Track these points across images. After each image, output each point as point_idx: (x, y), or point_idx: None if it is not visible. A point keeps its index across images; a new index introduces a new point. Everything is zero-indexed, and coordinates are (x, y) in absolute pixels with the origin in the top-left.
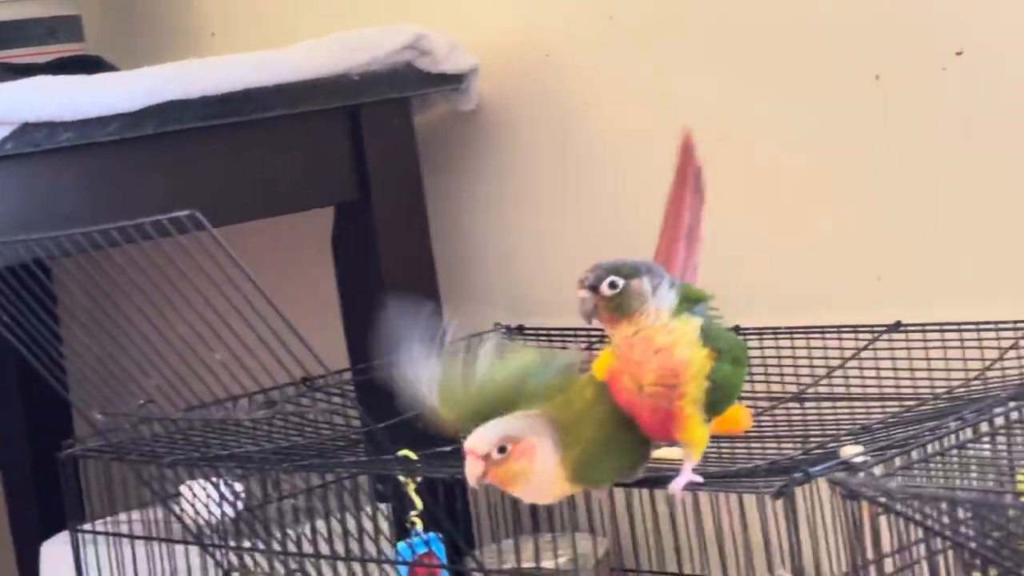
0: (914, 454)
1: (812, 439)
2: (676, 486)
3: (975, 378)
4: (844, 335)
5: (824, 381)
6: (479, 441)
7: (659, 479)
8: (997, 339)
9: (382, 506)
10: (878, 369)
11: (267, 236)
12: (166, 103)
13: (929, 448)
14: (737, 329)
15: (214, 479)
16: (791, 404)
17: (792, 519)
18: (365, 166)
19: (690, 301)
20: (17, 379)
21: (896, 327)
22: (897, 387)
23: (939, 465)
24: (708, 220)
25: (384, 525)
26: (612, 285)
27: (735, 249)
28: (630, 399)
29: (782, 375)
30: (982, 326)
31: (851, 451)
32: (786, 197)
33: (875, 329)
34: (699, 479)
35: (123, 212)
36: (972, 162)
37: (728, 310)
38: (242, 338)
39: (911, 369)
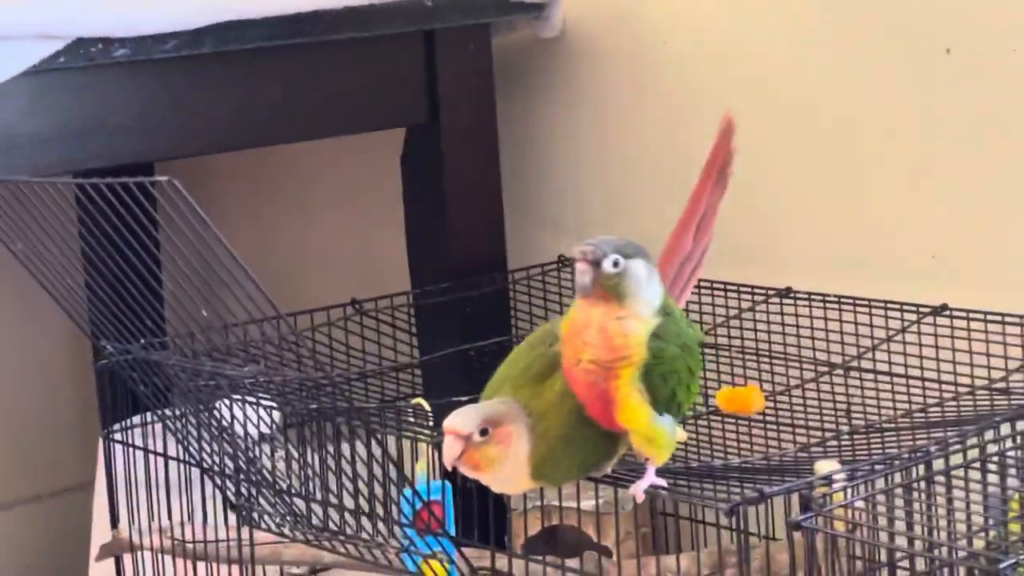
0: (887, 479)
1: (826, 429)
2: (637, 489)
3: (1000, 379)
4: (891, 310)
5: (866, 356)
6: (462, 421)
7: (622, 478)
8: None
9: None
10: (921, 348)
11: (339, 152)
12: (227, 22)
13: (898, 476)
14: (789, 290)
15: (241, 403)
16: (827, 377)
17: (743, 537)
18: (436, 90)
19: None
20: None
21: (941, 310)
22: (938, 370)
23: (902, 498)
24: (769, 182)
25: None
26: (615, 263)
27: (796, 210)
28: (569, 371)
29: (828, 343)
30: None
31: (826, 467)
32: (851, 164)
33: (920, 310)
34: (661, 483)
35: (179, 130)
36: None
37: (782, 270)
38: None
39: (952, 357)
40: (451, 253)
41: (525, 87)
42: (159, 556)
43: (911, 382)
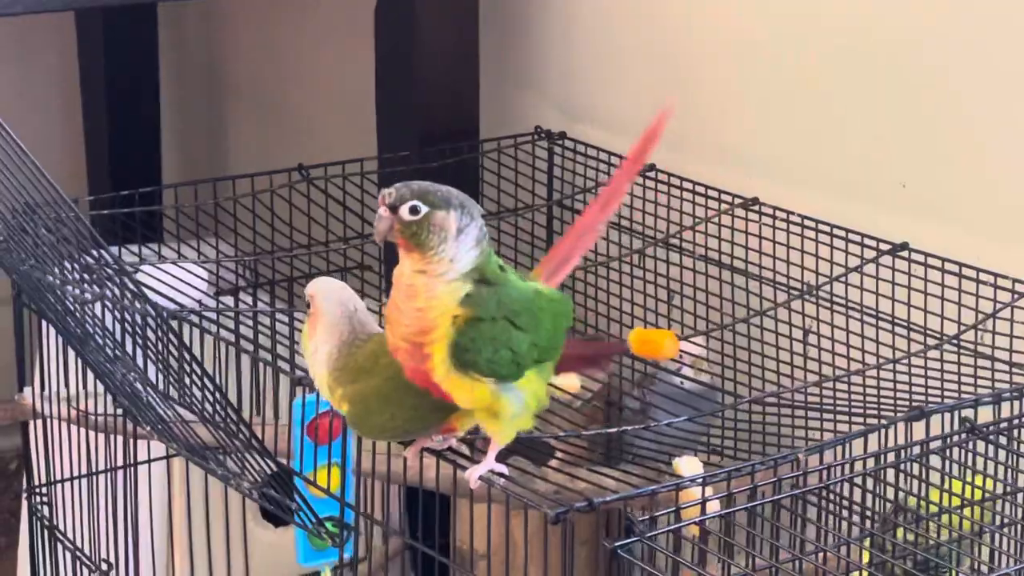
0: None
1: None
2: (471, 474)
3: (949, 340)
4: (851, 243)
5: (824, 287)
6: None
7: (457, 462)
8: (993, 297)
9: None
10: (877, 285)
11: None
12: None
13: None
14: (756, 200)
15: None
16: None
17: (569, 544)
18: None
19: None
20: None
21: (901, 248)
22: (892, 311)
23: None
24: (750, 89)
25: None
26: (413, 210)
27: (770, 120)
28: (391, 343)
29: (787, 270)
30: (982, 273)
31: (689, 467)
32: (832, 80)
33: (881, 246)
34: (502, 469)
35: None
36: None
37: (749, 179)
38: None
39: (908, 299)
40: (417, 118)
41: None
42: (61, 424)
43: (866, 319)
